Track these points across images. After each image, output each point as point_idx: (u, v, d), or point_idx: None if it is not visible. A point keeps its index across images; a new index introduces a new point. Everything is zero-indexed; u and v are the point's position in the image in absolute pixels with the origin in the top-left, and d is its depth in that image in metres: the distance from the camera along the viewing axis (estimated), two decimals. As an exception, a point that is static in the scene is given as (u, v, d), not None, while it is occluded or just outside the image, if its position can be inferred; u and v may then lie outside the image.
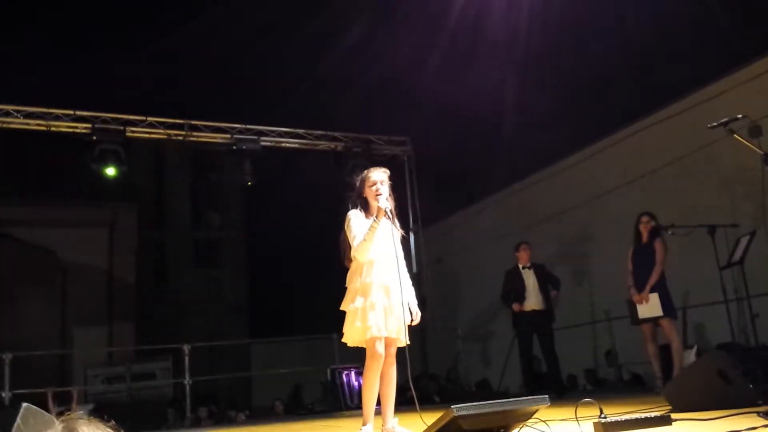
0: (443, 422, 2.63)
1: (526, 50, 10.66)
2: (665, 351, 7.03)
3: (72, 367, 14.90)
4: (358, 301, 3.94)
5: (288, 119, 10.66)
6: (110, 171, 9.34)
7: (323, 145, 10.78)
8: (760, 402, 3.83)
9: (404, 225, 11.11)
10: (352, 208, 4.16)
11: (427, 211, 11.50)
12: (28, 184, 15.09)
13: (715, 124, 4.07)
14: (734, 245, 7.21)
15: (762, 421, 3.01)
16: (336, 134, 10.81)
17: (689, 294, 8.37)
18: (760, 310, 7.04)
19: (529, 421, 3.13)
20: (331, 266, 5.86)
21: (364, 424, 3.99)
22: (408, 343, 4.05)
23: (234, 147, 9.83)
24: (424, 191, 11.43)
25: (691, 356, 7.07)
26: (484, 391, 11.17)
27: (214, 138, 10.07)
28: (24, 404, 2.21)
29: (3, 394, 8.52)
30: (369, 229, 4.01)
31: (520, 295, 8.01)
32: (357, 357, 4.98)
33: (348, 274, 4.11)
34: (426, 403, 8.47)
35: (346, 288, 4.10)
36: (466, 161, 12.17)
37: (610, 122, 10.81)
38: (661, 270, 6.85)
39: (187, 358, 9.20)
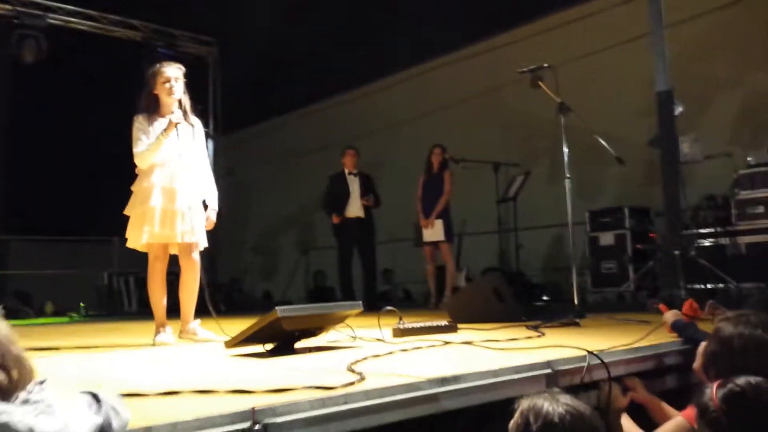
0: (266, 322, 2.72)
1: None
2: (440, 272, 7.76)
3: None
4: (138, 206, 3.84)
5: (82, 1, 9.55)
6: None
7: (119, 32, 9.86)
8: (524, 318, 4.45)
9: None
10: (142, 110, 3.97)
11: (224, 120, 11.18)
12: None
13: (525, 69, 4.46)
14: (510, 182, 8.05)
15: (532, 333, 3.54)
16: (134, 22, 9.93)
17: (467, 223, 9.21)
18: (524, 242, 8.01)
19: (339, 326, 3.34)
20: (113, 167, 5.51)
21: (160, 327, 3.94)
22: (206, 245, 4.05)
23: (16, 21, 8.65)
24: (225, 98, 11.06)
25: (461, 278, 7.90)
26: (268, 301, 11.46)
27: (-8, 8, 8.77)
28: None
29: None
30: (155, 140, 3.88)
31: (341, 205, 7.63)
32: (138, 262, 4.85)
33: (137, 179, 3.97)
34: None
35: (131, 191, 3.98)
36: (270, 74, 11.84)
37: (408, 56, 11.15)
38: (447, 199, 7.47)
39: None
